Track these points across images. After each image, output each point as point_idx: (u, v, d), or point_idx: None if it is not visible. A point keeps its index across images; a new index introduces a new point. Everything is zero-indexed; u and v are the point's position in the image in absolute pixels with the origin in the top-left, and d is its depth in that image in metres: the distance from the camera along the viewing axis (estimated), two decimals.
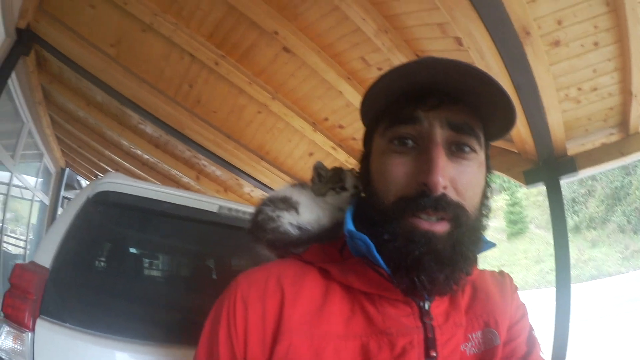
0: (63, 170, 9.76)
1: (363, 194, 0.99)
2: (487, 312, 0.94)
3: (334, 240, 1.00)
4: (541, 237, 27.01)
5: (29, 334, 2.08)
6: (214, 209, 2.63)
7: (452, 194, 0.83)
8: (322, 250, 0.97)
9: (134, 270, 2.80)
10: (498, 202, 29.22)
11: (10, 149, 5.73)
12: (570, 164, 3.64)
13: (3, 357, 2.08)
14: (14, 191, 6.34)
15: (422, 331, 0.85)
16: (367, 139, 0.99)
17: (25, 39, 4.36)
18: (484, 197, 0.92)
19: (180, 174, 7.32)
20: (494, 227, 27.62)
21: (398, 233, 0.83)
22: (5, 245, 6.11)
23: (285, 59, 4.38)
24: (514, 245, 27.70)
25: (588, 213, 26.11)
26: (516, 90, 3.04)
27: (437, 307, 0.89)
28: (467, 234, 0.84)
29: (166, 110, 5.22)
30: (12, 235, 6.99)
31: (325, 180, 1.19)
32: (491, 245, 0.97)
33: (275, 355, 0.81)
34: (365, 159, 0.99)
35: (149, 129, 6.35)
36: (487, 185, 0.93)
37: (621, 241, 22.95)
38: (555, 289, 3.67)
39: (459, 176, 0.84)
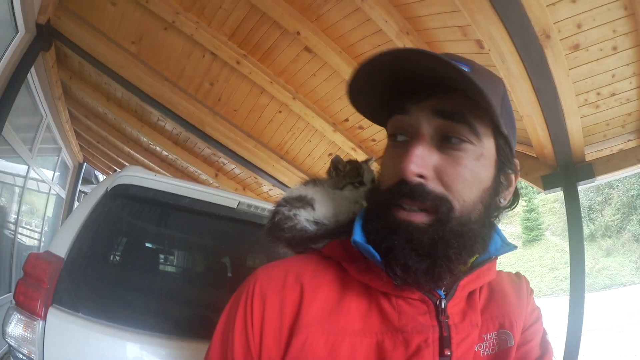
0: (81, 165, 9.84)
1: None
2: (503, 314, 0.93)
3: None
4: (556, 244, 26.80)
5: (40, 322, 2.09)
6: (234, 204, 2.60)
7: (433, 185, 0.81)
8: (342, 246, 0.96)
9: (149, 264, 2.79)
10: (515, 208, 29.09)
11: (29, 142, 5.76)
12: (588, 170, 3.61)
13: (12, 344, 2.09)
14: (31, 184, 6.38)
15: (438, 330, 0.83)
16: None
17: (45, 35, 4.40)
18: (488, 194, 0.88)
19: (199, 171, 7.35)
20: (510, 233, 27.42)
21: (381, 223, 0.83)
22: (20, 236, 6.14)
23: (307, 59, 4.39)
24: (529, 252, 27.48)
25: (604, 221, 25.83)
26: (536, 94, 3.02)
27: (453, 306, 0.88)
28: (452, 228, 0.81)
29: (187, 108, 5.25)
30: (27, 227, 7.02)
31: (343, 174, 1.18)
32: (512, 247, 0.95)
33: (291, 349, 0.80)
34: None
35: (169, 125, 6.39)
36: (498, 182, 0.90)
37: (635, 250, 22.71)
38: (569, 297, 3.64)
39: (445, 167, 0.82)
